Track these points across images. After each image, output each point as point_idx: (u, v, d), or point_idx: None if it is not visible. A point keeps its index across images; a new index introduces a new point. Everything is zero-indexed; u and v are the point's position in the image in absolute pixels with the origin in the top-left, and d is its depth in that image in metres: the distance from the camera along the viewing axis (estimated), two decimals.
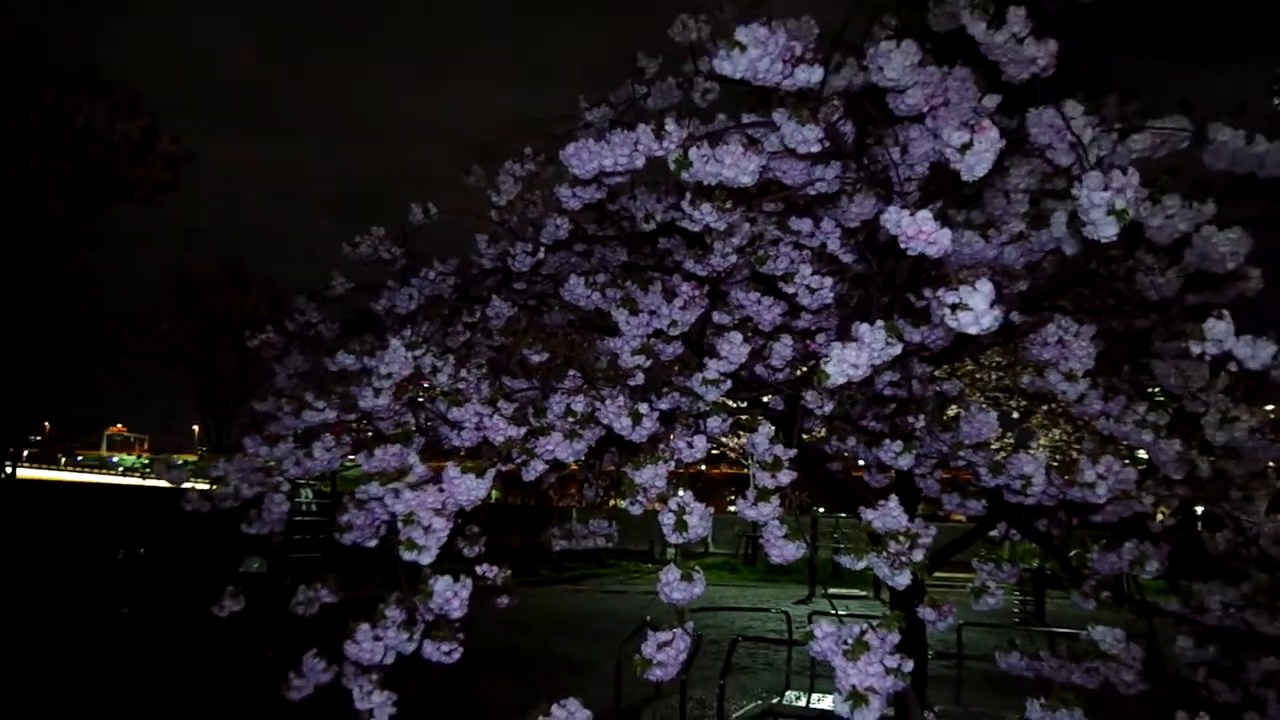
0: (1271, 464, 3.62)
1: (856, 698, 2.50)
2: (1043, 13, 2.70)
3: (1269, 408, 4.07)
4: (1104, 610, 3.77)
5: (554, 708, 2.84)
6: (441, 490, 2.91)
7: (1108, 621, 3.51)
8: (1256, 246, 2.88)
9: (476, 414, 3.43)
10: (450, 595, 2.88)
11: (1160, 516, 3.91)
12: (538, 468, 3.34)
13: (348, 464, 3.57)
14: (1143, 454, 3.72)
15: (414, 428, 3.66)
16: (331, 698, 3.24)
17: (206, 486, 3.57)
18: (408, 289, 4.39)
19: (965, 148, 2.45)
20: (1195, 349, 2.49)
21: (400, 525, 2.84)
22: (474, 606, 3.01)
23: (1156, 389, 3.85)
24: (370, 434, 3.79)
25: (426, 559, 2.82)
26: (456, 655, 3.05)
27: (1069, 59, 2.74)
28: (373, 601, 2.99)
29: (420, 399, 3.80)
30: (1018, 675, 3.79)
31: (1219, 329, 2.45)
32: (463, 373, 3.70)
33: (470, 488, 2.91)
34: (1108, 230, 2.36)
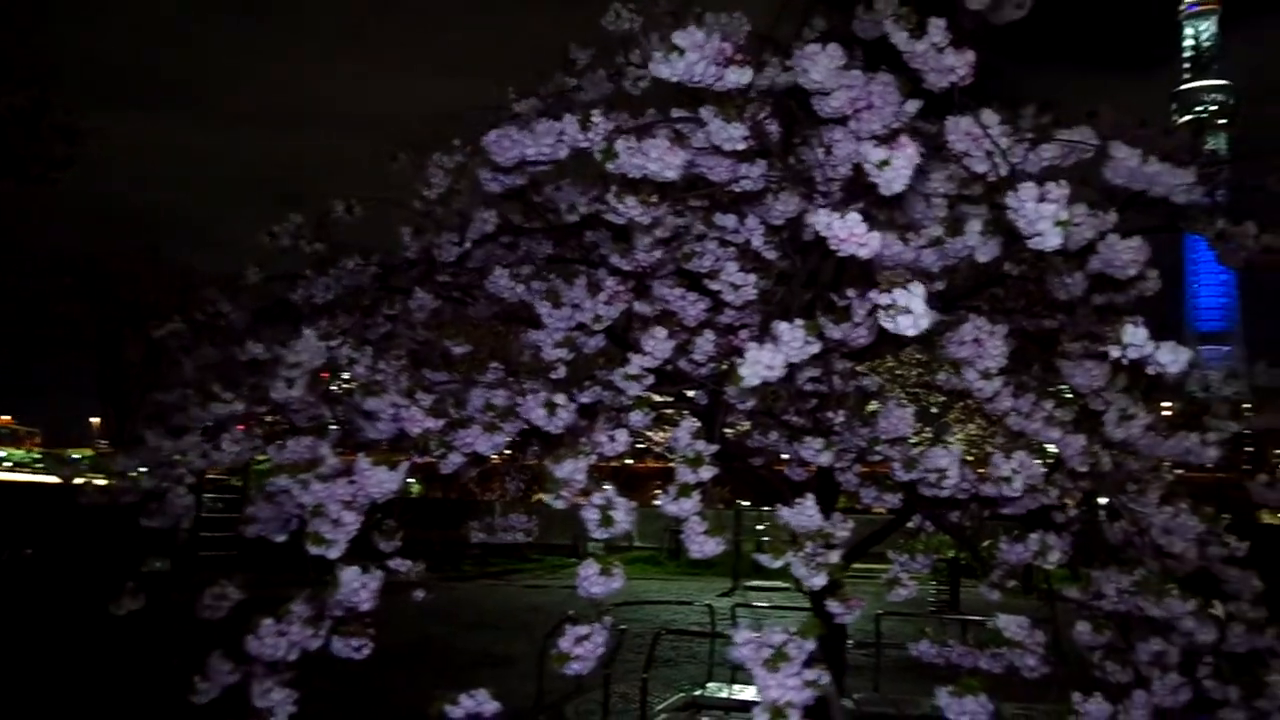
0: (1164, 459, 3.77)
1: (775, 713, 2.55)
2: (962, 26, 2.79)
3: (1165, 405, 4.24)
4: (1011, 598, 3.89)
5: (462, 697, 2.85)
6: (352, 483, 2.86)
7: (1013, 609, 3.64)
8: (1151, 253, 3.00)
9: (393, 405, 3.40)
10: (358, 587, 2.83)
11: (1067, 507, 4.06)
12: (456, 460, 3.33)
13: (260, 458, 3.51)
14: (1050, 448, 3.85)
15: (328, 420, 3.61)
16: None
17: (106, 483, 3.48)
18: (325, 279, 4.29)
19: (883, 164, 2.52)
20: (1114, 353, 2.58)
21: (308, 518, 2.79)
22: (390, 602, 2.98)
23: (1064, 386, 3.98)
24: (283, 426, 3.73)
25: (334, 553, 2.77)
26: (366, 651, 3.02)
27: (987, 70, 2.83)
28: (284, 599, 2.94)
29: (337, 391, 3.76)
30: (930, 662, 3.90)
31: (1137, 334, 2.55)
32: (381, 364, 3.67)
33: (382, 480, 2.87)
34: (1053, 240, 2.45)
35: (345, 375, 3.76)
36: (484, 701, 2.93)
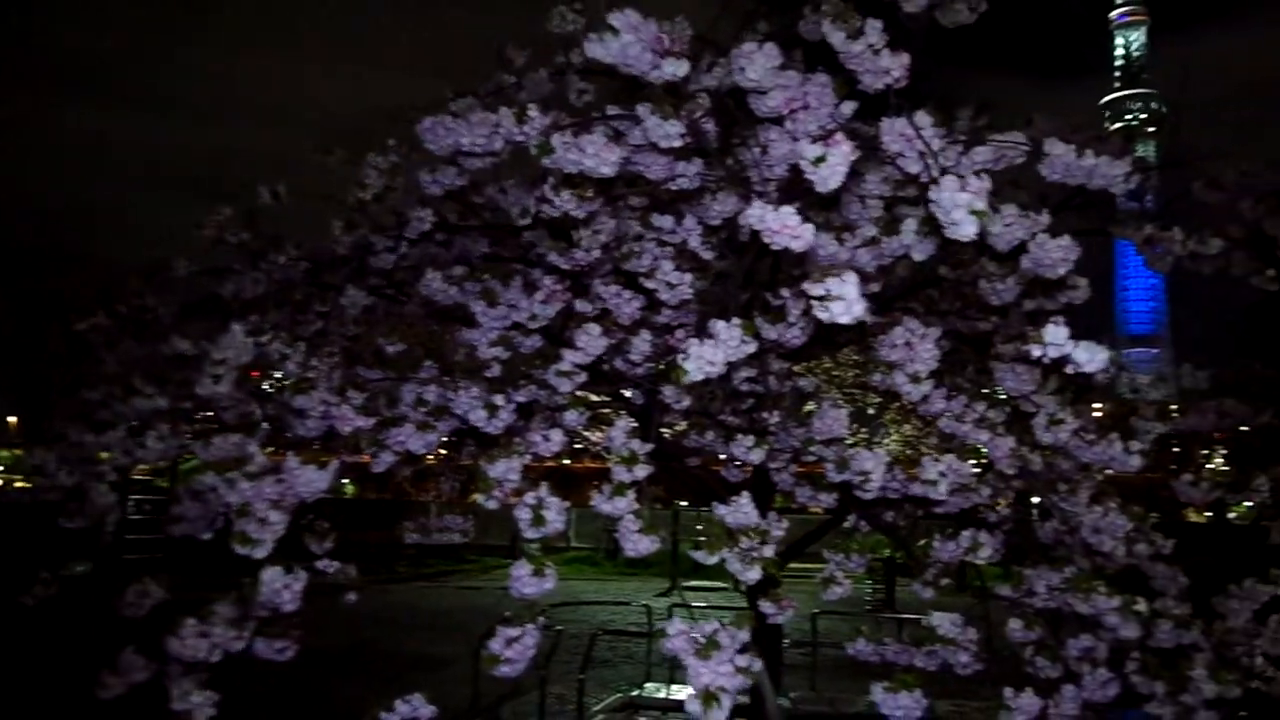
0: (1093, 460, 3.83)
1: (708, 698, 2.55)
2: (900, 28, 2.81)
3: (1095, 407, 4.31)
4: (946, 596, 3.94)
5: (398, 703, 2.81)
6: (281, 481, 2.81)
7: (948, 607, 3.69)
8: (1083, 258, 3.04)
9: (324, 403, 3.35)
10: (280, 588, 2.77)
11: (1000, 507, 4.12)
12: (388, 459, 3.29)
13: (186, 456, 3.43)
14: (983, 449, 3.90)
15: (257, 417, 3.54)
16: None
17: (26, 485, 3.36)
18: (255, 273, 4.20)
19: (819, 160, 2.53)
20: (1035, 352, 2.61)
21: (235, 518, 2.73)
22: (323, 605, 2.93)
23: (996, 389, 4.03)
24: (211, 424, 3.64)
25: (260, 553, 2.71)
26: (291, 653, 2.96)
27: (923, 73, 2.85)
28: (209, 601, 2.87)
29: (268, 388, 3.69)
30: (866, 660, 3.93)
31: (1058, 334, 2.58)
32: (313, 361, 3.60)
33: (311, 479, 2.82)
34: (968, 229, 2.47)
35: (276, 372, 3.68)
36: (419, 706, 2.90)
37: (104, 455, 3.36)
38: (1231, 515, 30.58)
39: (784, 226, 2.52)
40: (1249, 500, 4.31)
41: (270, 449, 3.14)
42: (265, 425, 3.43)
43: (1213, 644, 3.58)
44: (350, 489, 43.85)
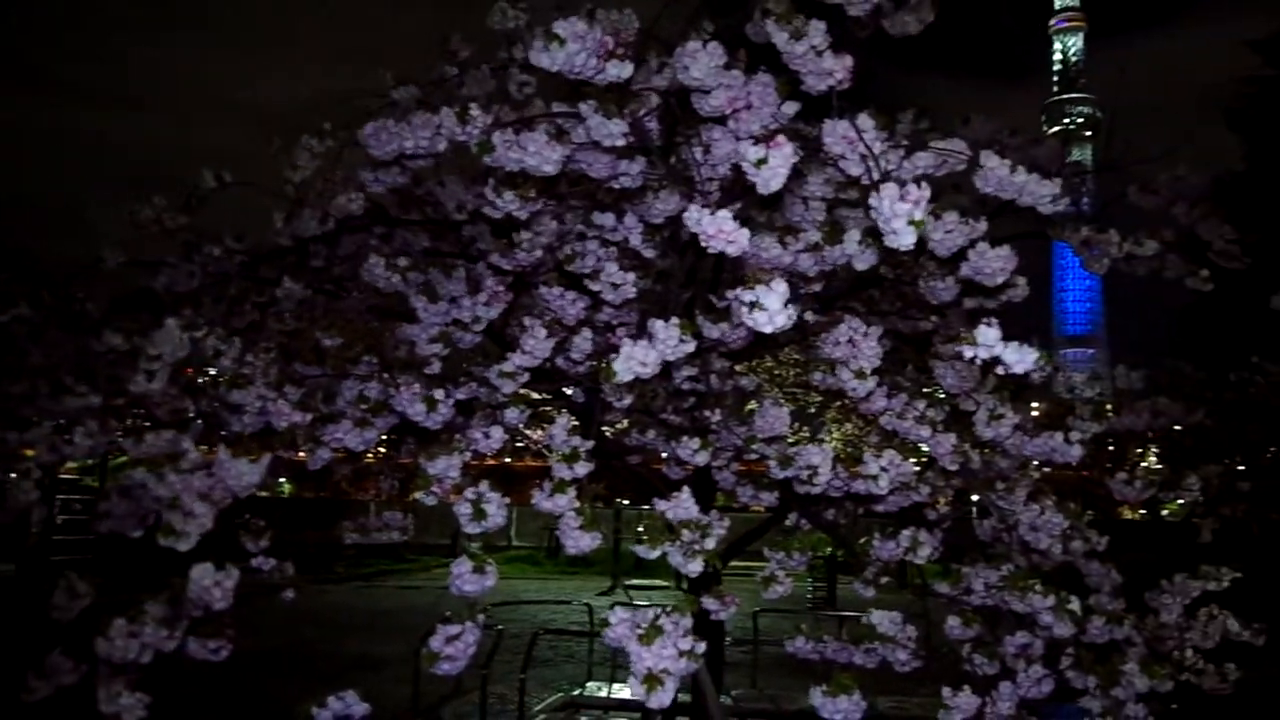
0: (1032, 458, 3.88)
1: (651, 681, 2.54)
2: (844, 30, 2.82)
3: (1033, 405, 4.37)
4: (886, 593, 3.97)
5: (330, 700, 2.77)
6: (210, 475, 2.75)
7: (888, 605, 3.71)
8: (1021, 259, 3.08)
9: (260, 398, 3.29)
10: (211, 585, 2.69)
11: (940, 505, 4.16)
12: (324, 456, 3.24)
13: (117, 454, 3.34)
14: (923, 447, 3.93)
15: (191, 413, 3.47)
16: None
17: None
18: (189, 265, 4.07)
19: (760, 162, 2.53)
20: (968, 353, 2.63)
21: (163, 511, 2.67)
22: (259, 604, 2.88)
23: (936, 387, 4.07)
24: (143, 420, 3.55)
25: (184, 546, 2.63)
26: (224, 653, 2.90)
27: (866, 75, 2.86)
28: (138, 600, 2.80)
29: (201, 382, 3.61)
30: (806, 658, 3.95)
31: (989, 335, 2.60)
32: (249, 356, 3.53)
33: (242, 473, 2.76)
34: (907, 239, 2.48)
35: (210, 367, 3.60)
36: (353, 704, 2.86)
37: (28, 452, 3.26)
38: (1165, 513, 31.19)
39: (720, 230, 2.52)
40: (1181, 498, 4.39)
41: (204, 446, 3.08)
42: (199, 421, 3.37)
43: (1145, 639, 3.64)
44: (287, 487, 43.35)
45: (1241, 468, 12.23)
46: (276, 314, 4.18)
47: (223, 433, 3.45)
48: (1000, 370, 2.60)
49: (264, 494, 2.90)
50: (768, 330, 2.51)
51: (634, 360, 2.66)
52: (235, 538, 3.38)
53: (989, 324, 2.60)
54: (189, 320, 3.39)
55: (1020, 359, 2.58)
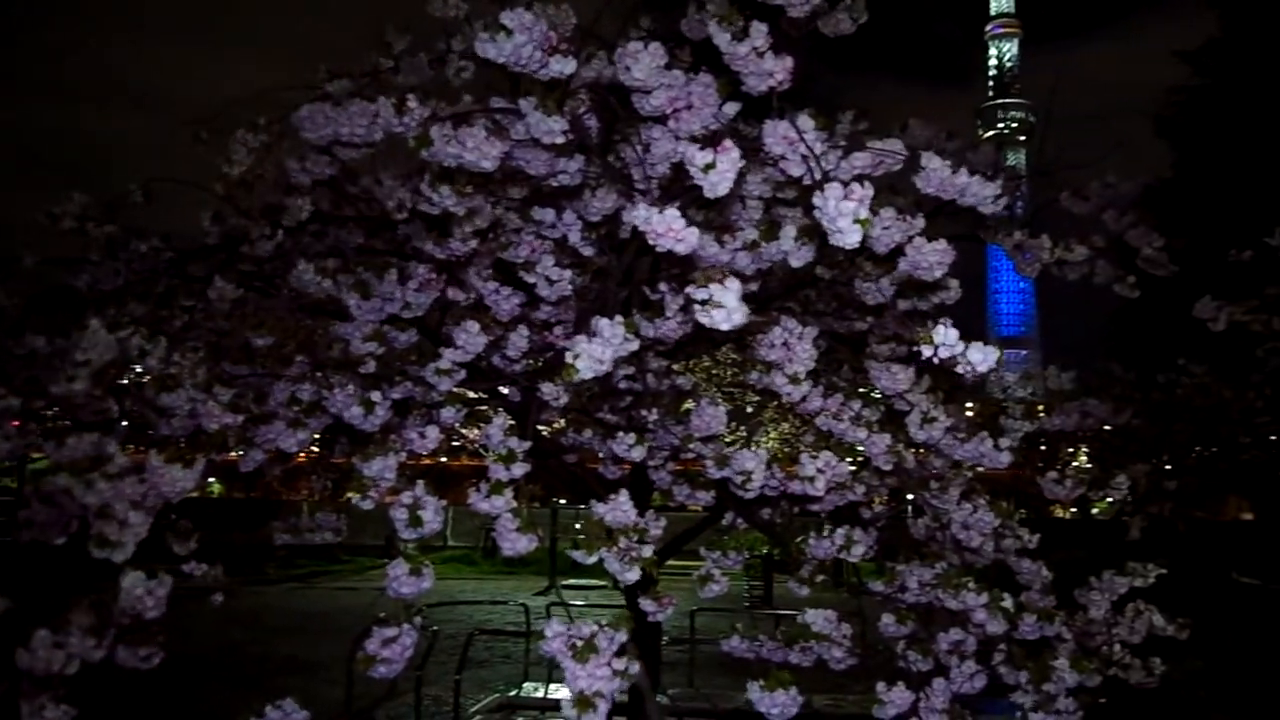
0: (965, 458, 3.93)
1: (583, 703, 2.52)
2: (785, 32, 2.82)
3: (969, 406, 4.43)
4: (822, 592, 3.99)
5: (268, 709, 2.72)
6: (143, 481, 2.68)
7: (825, 603, 3.73)
8: (956, 261, 3.11)
9: (189, 400, 3.22)
10: (143, 593, 2.61)
11: (878, 505, 4.19)
12: (257, 457, 3.18)
13: (36, 456, 3.23)
14: (860, 447, 3.96)
15: (116, 415, 3.37)
16: None
17: None
18: (114, 263, 3.98)
19: (709, 167, 2.53)
20: (926, 352, 2.65)
21: (92, 520, 2.59)
22: (189, 608, 2.82)
23: (872, 388, 4.10)
24: (64, 422, 3.44)
25: (121, 556, 2.57)
26: (156, 661, 2.83)
27: (807, 76, 2.87)
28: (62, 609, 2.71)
29: (125, 383, 3.52)
30: (742, 657, 3.96)
31: (948, 335, 2.63)
32: (176, 356, 3.45)
33: (175, 478, 2.69)
34: (852, 238, 2.49)
35: (137, 367, 3.50)
36: (292, 711, 2.81)
37: None
38: (1095, 511, 31.82)
39: (669, 229, 2.51)
40: (1110, 497, 4.47)
41: (131, 448, 3.00)
42: (125, 423, 3.28)
43: (1075, 634, 3.70)
44: (217, 488, 42.66)
45: (1168, 467, 12.50)
46: (206, 313, 4.08)
47: (150, 435, 3.37)
48: (961, 369, 2.62)
49: (192, 495, 2.83)
50: (725, 328, 2.51)
51: (592, 357, 2.64)
52: (162, 540, 3.30)
53: (945, 324, 2.63)
54: (112, 319, 3.30)
55: (985, 359, 2.61)
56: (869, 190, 2.46)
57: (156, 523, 2.74)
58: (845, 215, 2.45)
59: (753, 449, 3.52)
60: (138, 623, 2.68)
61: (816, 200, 2.48)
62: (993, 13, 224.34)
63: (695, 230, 2.53)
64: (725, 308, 2.46)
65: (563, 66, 2.60)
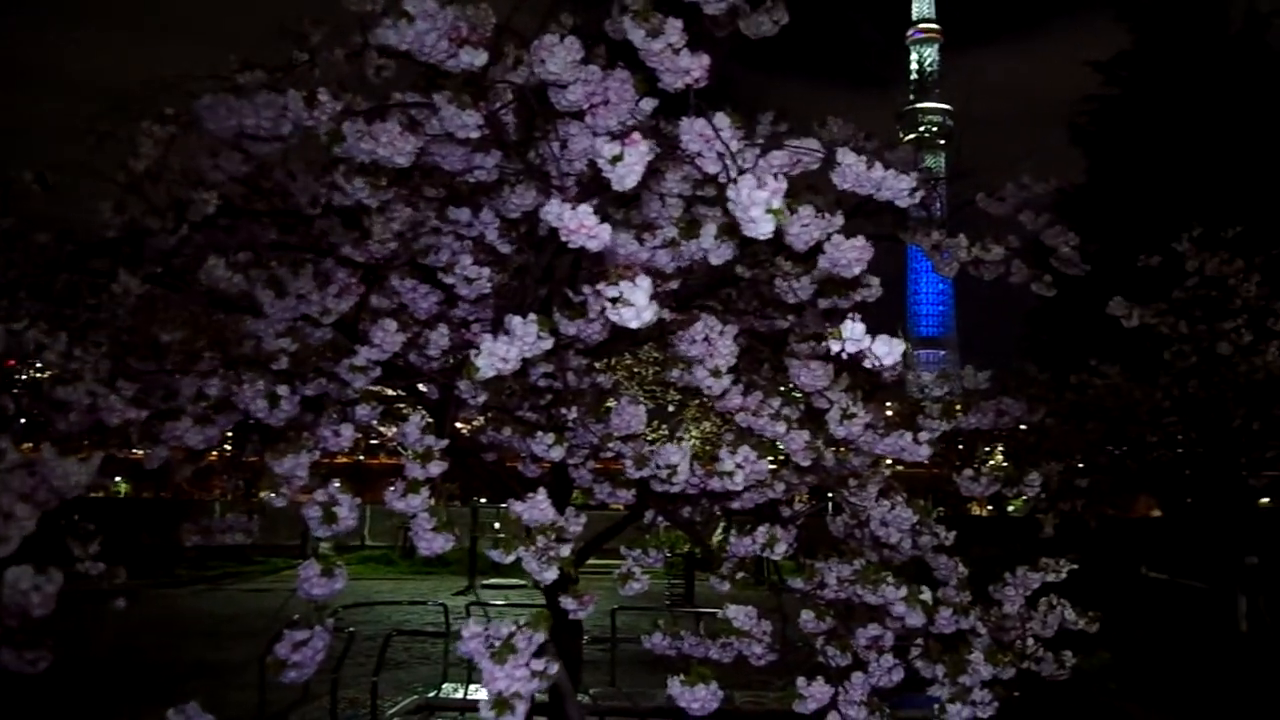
0: (883, 455, 3.97)
1: (501, 705, 2.49)
2: (701, 29, 2.81)
3: (888, 404, 4.47)
4: (744, 589, 4.00)
5: (170, 712, 2.64)
6: (34, 475, 2.58)
7: (746, 600, 3.75)
8: (875, 261, 3.14)
9: (90, 395, 3.11)
10: (28, 589, 2.48)
11: (798, 503, 4.22)
12: (161, 455, 3.09)
13: None
14: (780, 444, 3.98)
15: (9, 411, 3.25)
16: None
17: None
18: (8, 254, 3.78)
19: (616, 159, 2.51)
20: (834, 347, 2.66)
21: None
22: (89, 612, 2.72)
23: (792, 386, 4.12)
24: None
25: (5, 551, 2.47)
26: (44, 664, 2.73)
27: (727, 76, 2.87)
28: None
29: (24, 378, 3.40)
30: (663, 654, 3.96)
31: (855, 330, 2.64)
32: (77, 351, 3.34)
33: (69, 473, 2.59)
34: (765, 228, 2.49)
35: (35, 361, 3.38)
36: (196, 715, 2.73)
37: None
38: (1010, 509, 32.47)
39: (581, 226, 2.49)
40: (1024, 494, 4.55)
41: (28, 444, 2.89)
42: (21, 420, 3.18)
43: (989, 629, 3.76)
44: (123, 487, 41.65)
45: (1080, 466, 12.79)
46: (110, 308, 3.94)
47: (47, 431, 3.25)
48: (869, 364, 2.64)
49: (97, 494, 2.73)
50: (634, 326, 2.49)
51: (496, 356, 2.61)
52: (61, 541, 3.20)
53: (854, 318, 2.64)
54: (4, 311, 3.18)
55: (890, 352, 2.62)
56: (782, 182, 2.46)
57: (56, 522, 2.65)
58: (757, 205, 2.44)
59: (676, 444, 3.52)
60: (24, 624, 2.57)
61: (730, 192, 2.48)
62: (914, 17, 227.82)
63: (608, 227, 2.52)
64: (635, 306, 2.45)
65: (473, 59, 2.57)
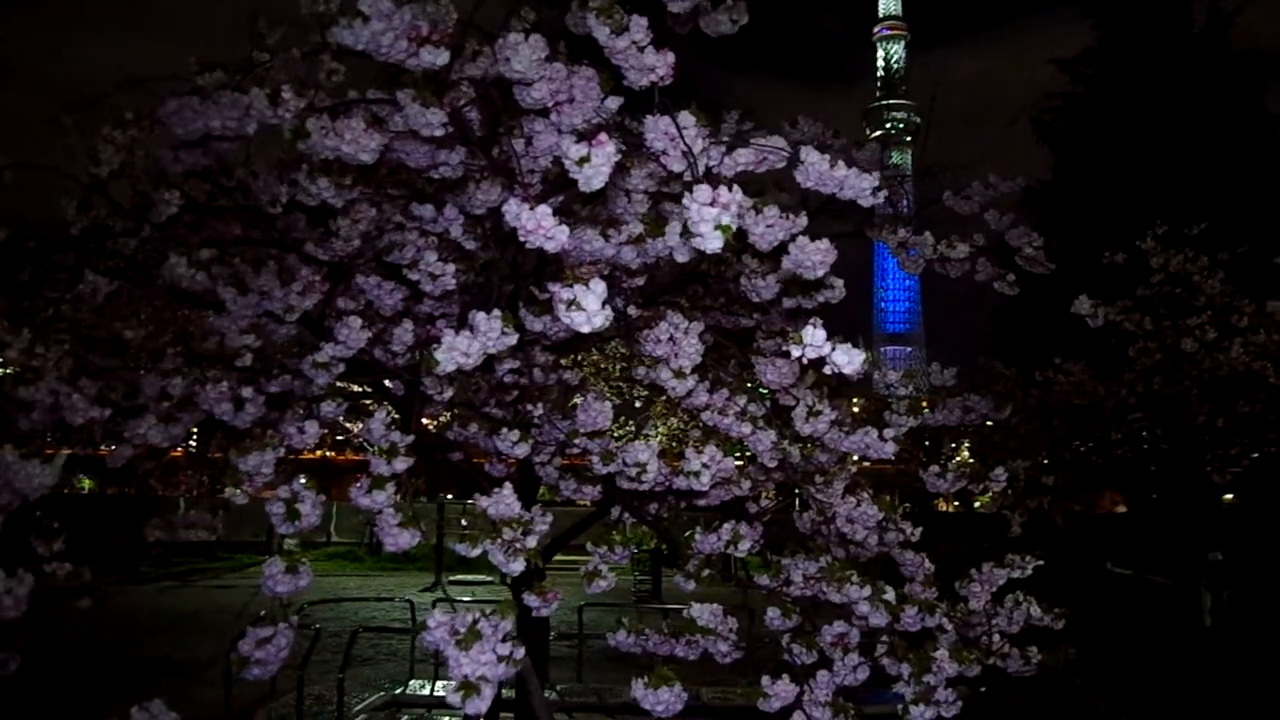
0: (850, 452, 3.99)
1: (468, 688, 2.49)
2: (669, 28, 2.81)
3: (854, 401, 4.49)
4: (711, 586, 4.02)
5: (134, 710, 2.63)
6: None
7: (713, 597, 3.76)
8: (842, 258, 3.15)
9: (52, 393, 3.08)
10: (1, 593, 2.52)
11: (765, 500, 4.23)
12: (125, 453, 3.07)
13: None
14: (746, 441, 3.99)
15: None
16: None
17: None
18: None
19: (583, 160, 2.51)
20: (795, 352, 2.67)
21: None
22: (56, 609, 2.70)
23: (758, 383, 4.13)
24: None
25: None
26: (13, 666, 2.71)
27: (693, 73, 2.87)
28: None
29: None
30: (629, 651, 3.96)
31: (815, 335, 2.65)
32: (39, 349, 3.31)
33: (33, 474, 2.58)
34: (714, 243, 2.49)
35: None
36: (160, 713, 2.71)
37: None
38: (977, 505, 32.71)
39: (539, 226, 2.49)
40: (991, 490, 4.59)
41: None
42: None
43: (955, 625, 3.79)
44: (87, 483, 41.19)
45: (1046, 462, 12.91)
46: (72, 304, 3.89)
47: (11, 431, 3.22)
48: (827, 369, 2.64)
49: (61, 490, 2.71)
50: (585, 330, 2.50)
51: (456, 351, 2.61)
52: (24, 539, 3.16)
53: (815, 324, 2.65)
54: None
55: (850, 360, 2.63)
56: (737, 195, 2.46)
57: (19, 521, 2.63)
58: (707, 221, 2.45)
59: (643, 442, 3.52)
60: None
61: (686, 201, 2.48)
62: (880, 14, 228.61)
63: (565, 228, 2.51)
64: (586, 311, 2.45)
65: (434, 57, 2.56)
